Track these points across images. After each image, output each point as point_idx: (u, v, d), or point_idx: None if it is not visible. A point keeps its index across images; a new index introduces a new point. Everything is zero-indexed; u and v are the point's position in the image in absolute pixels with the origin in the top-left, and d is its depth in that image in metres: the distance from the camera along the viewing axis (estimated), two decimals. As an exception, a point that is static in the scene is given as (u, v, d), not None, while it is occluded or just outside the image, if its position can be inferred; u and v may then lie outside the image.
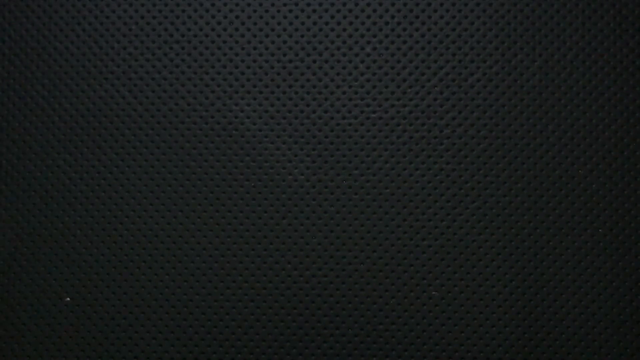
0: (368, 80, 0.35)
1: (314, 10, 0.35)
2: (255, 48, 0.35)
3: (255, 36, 0.35)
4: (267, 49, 0.35)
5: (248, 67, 0.35)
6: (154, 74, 0.35)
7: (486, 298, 0.34)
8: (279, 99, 0.35)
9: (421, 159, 0.35)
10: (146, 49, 0.35)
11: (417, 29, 0.35)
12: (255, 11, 0.35)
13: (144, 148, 0.35)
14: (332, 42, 0.35)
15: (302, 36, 0.35)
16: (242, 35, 0.35)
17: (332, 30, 0.35)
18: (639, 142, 0.34)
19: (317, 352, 0.34)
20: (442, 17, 0.35)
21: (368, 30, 0.35)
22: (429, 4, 0.35)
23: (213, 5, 0.35)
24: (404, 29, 0.35)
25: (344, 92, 0.35)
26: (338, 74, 0.35)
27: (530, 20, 0.35)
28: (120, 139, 0.35)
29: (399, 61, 0.35)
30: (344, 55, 0.35)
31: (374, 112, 0.35)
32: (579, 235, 0.34)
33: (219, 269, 0.35)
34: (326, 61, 0.35)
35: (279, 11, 0.35)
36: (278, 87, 0.35)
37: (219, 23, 0.35)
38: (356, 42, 0.35)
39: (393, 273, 0.34)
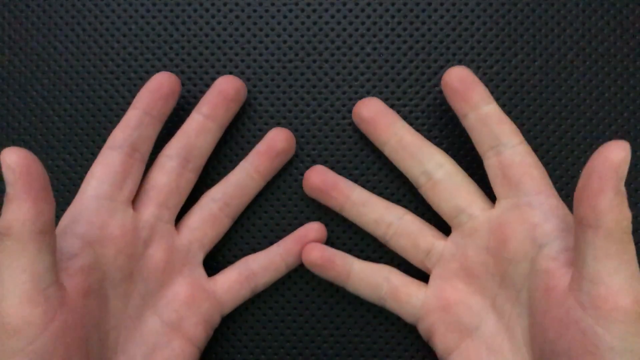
0: (368, 80, 0.35)
1: (314, 10, 0.35)
2: (255, 48, 0.35)
3: (255, 36, 0.35)
4: (267, 49, 0.35)
5: (248, 67, 0.35)
6: (153, 73, 0.35)
7: (486, 298, 0.34)
8: (279, 99, 0.35)
9: (421, 159, 0.35)
10: (146, 48, 0.35)
11: (417, 29, 0.35)
12: (255, 11, 0.35)
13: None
14: (332, 42, 0.35)
15: (302, 36, 0.35)
16: (242, 35, 0.35)
17: (332, 30, 0.35)
18: (640, 142, 0.34)
19: (317, 352, 0.34)
20: (442, 16, 0.35)
21: (368, 30, 0.35)
22: (429, 4, 0.35)
23: (213, 5, 0.35)
24: (404, 29, 0.35)
25: (344, 92, 0.35)
26: (338, 74, 0.35)
27: (530, 20, 0.35)
28: (120, 139, 0.35)
29: (399, 61, 0.35)
30: (344, 55, 0.35)
31: (374, 112, 0.35)
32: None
33: (218, 269, 0.35)
34: (326, 61, 0.35)
35: (279, 11, 0.35)
36: (278, 87, 0.35)
37: (219, 23, 0.35)
38: (356, 42, 0.35)
39: (393, 273, 0.34)
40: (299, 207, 0.35)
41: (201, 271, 0.33)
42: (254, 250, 0.35)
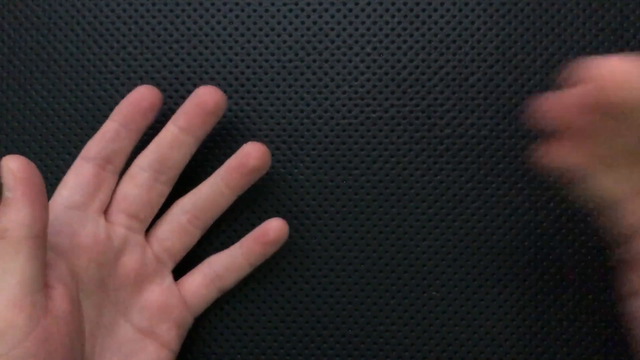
0: (368, 80, 0.35)
1: (314, 10, 0.35)
2: (255, 48, 0.35)
3: (255, 36, 0.35)
4: (267, 48, 0.35)
5: (248, 67, 0.35)
6: (153, 73, 0.35)
7: (487, 298, 0.34)
8: (278, 99, 0.35)
9: (421, 159, 0.34)
10: (146, 48, 0.35)
11: (417, 28, 0.35)
12: (255, 11, 0.35)
13: (143, 148, 0.35)
14: (332, 42, 0.35)
15: (302, 36, 0.35)
16: (242, 35, 0.35)
17: (332, 30, 0.35)
18: (640, 142, 0.34)
19: (317, 353, 0.34)
20: (442, 16, 0.35)
21: (368, 29, 0.35)
22: (430, 3, 0.35)
23: (213, 5, 0.35)
24: (405, 28, 0.35)
25: (344, 92, 0.35)
26: (338, 73, 0.35)
27: (531, 20, 0.35)
28: (120, 139, 0.35)
29: (399, 60, 0.35)
30: (344, 55, 0.35)
31: (374, 112, 0.35)
32: (580, 235, 0.34)
33: (218, 269, 0.34)
34: (326, 61, 0.35)
35: (279, 11, 0.35)
36: (278, 86, 0.35)
37: (218, 22, 0.35)
38: (356, 42, 0.35)
39: (393, 273, 0.34)
40: (299, 207, 0.35)
41: (171, 279, 0.32)
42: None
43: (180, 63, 0.35)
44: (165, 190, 0.32)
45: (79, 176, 0.30)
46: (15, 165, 0.25)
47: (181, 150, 0.31)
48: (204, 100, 0.31)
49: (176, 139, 0.31)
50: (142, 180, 0.31)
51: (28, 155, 0.35)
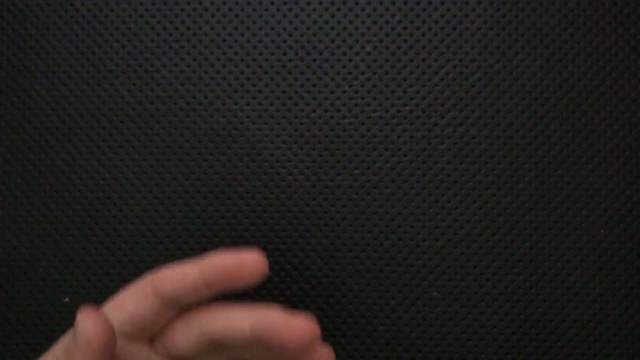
0: (368, 80, 0.35)
1: (314, 10, 0.35)
2: (255, 47, 0.35)
3: (255, 35, 0.35)
4: (266, 48, 0.35)
5: (248, 67, 0.35)
6: (152, 73, 0.35)
7: (487, 299, 0.34)
8: (278, 99, 0.35)
9: (421, 159, 0.34)
10: (145, 48, 0.35)
11: (417, 28, 0.35)
12: (254, 10, 0.35)
13: (142, 148, 0.35)
14: (332, 42, 0.35)
15: (302, 35, 0.35)
16: (242, 34, 0.35)
17: (332, 29, 0.35)
18: (641, 142, 0.34)
19: (317, 353, 0.34)
20: (443, 15, 0.35)
21: (368, 29, 0.35)
22: (430, 3, 0.35)
23: (212, 4, 0.35)
24: (405, 28, 0.35)
25: (344, 92, 0.35)
26: (338, 73, 0.35)
27: (531, 19, 0.34)
28: (119, 139, 0.35)
29: (399, 60, 0.35)
30: (344, 54, 0.35)
31: (374, 111, 0.35)
32: (580, 236, 0.34)
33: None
34: (326, 60, 0.35)
35: (278, 10, 0.35)
36: (278, 86, 0.35)
37: (218, 22, 0.35)
38: (356, 41, 0.35)
39: (393, 273, 0.34)
40: (299, 206, 0.34)
41: None
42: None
43: (180, 63, 0.35)
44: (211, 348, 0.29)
45: (140, 308, 0.27)
46: (95, 330, 0.23)
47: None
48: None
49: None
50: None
51: (27, 155, 0.35)
